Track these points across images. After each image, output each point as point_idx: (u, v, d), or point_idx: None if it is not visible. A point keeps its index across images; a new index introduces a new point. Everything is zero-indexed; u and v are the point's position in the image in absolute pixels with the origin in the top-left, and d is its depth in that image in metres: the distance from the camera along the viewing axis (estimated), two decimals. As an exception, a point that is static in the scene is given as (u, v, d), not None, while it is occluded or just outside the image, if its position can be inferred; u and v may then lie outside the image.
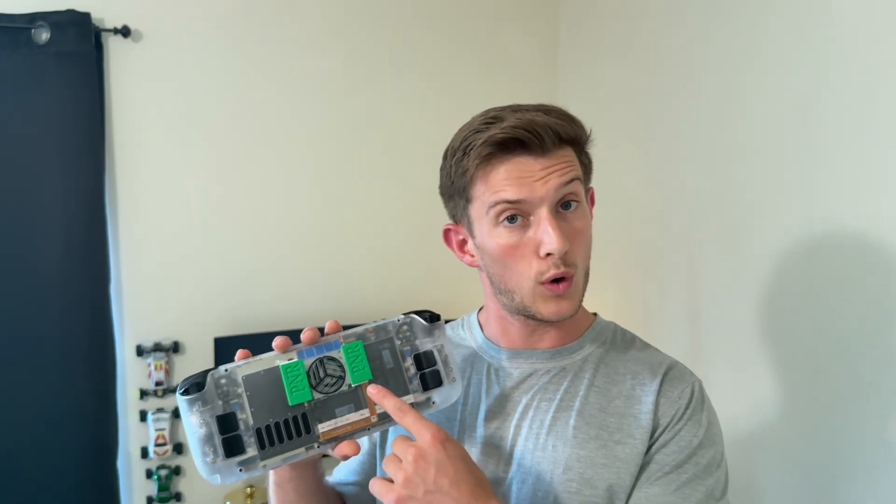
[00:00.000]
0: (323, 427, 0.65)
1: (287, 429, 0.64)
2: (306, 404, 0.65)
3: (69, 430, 1.79)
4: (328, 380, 0.66)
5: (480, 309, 0.90)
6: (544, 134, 0.73)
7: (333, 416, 0.66)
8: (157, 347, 1.92)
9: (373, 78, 2.15)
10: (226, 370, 0.64)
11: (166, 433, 1.90)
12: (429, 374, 0.69)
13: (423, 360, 0.69)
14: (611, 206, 1.89)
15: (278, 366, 0.65)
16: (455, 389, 0.70)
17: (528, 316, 0.77)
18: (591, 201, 0.85)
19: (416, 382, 0.69)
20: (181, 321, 1.97)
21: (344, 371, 0.66)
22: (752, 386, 1.46)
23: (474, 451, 0.79)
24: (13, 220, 1.76)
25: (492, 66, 2.26)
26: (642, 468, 0.74)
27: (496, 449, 0.78)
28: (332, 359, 0.66)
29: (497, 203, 0.73)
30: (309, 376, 0.65)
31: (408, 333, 0.69)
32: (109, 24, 1.85)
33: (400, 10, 2.17)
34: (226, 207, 2.00)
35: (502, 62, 2.28)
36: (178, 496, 1.96)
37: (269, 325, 2.02)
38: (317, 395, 0.65)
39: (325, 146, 2.11)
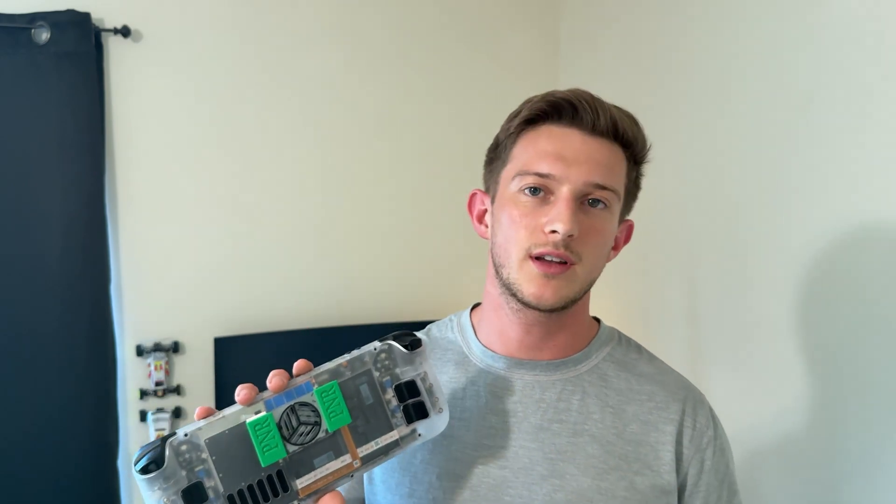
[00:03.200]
0: (302, 482, 0.59)
1: (262, 490, 0.58)
2: (281, 460, 0.59)
3: (69, 430, 1.79)
4: (302, 429, 0.59)
5: (473, 308, 0.84)
6: (601, 111, 0.70)
7: (312, 468, 0.59)
8: (157, 347, 1.92)
9: (373, 79, 2.13)
10: (185, 435, 0.57)
11: (166, 433, 1.90)
12: (412, 406, 0.63)
13: (406, 391, 0.63)
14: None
15: (245, 423, 0.58)
16: (442, 419, 0.64)
17: (512, 294, 0.72)
18: (628, 236, 0.81)
19: (400, 416, 0.62)
20: (181, 321, 1.97)
21: (319, 416, 0.60)
22: (751, 386, 1.46)
23: (475, 473, 0.72)
24: (13, 220, 1.76)
25: (493, 66, 2.24)
26: None
27: (501, 471, 0.72)
28: (304, 404, 0.60)
29: (527, 173, 0.71)
30: (280, 428, 0.59)
31: (386, 362, 0.63)
32: (109, 24, 1.84)
33: (401, 10, 2.15)
34: (226, 207, 2.00)
35: (504, 62, 2.26)
36: (177, 495, 1.96)
37: (269, 325, 2.01)
38: (292, 449, 0.59)
39: (326, 145, 2.09)
